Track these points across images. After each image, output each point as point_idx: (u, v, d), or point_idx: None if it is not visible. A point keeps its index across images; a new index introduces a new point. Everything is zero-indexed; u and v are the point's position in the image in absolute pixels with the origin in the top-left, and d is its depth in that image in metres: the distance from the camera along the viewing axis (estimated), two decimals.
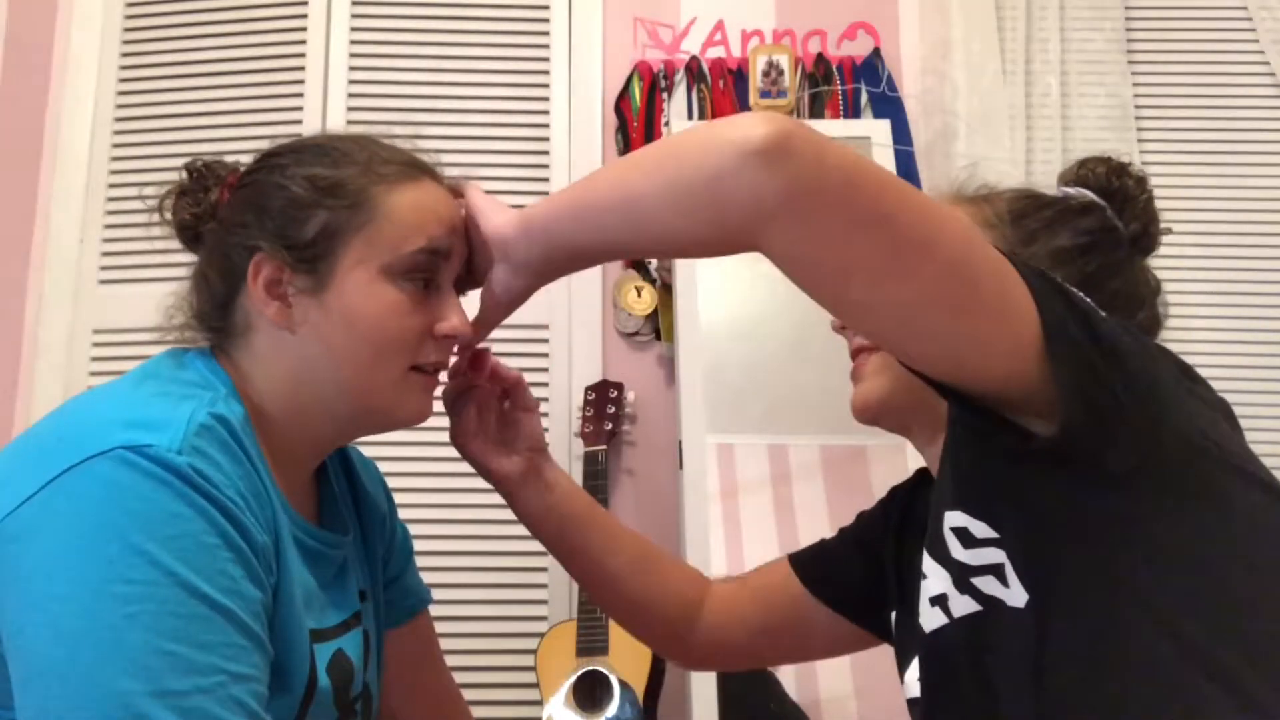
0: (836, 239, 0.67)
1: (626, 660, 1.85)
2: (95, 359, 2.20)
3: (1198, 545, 0.72)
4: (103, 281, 2.24)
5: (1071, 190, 0.92)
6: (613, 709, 1.81)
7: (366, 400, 0.88)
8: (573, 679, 1.84)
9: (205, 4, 2.33)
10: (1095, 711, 0.71)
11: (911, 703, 0.94)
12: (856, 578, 1.07)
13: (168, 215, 0.92)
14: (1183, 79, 2.36)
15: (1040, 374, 0.68)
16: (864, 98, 2.28)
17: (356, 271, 0.86)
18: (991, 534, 0.76)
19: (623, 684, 1.83)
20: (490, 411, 1.01)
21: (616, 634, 1.87)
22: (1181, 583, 0.71)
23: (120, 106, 2.31)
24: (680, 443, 1.97)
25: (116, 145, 2.29)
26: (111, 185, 2.26)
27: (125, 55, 2.33)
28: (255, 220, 0.87)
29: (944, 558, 0.81)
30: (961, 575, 0.79)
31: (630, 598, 1.09)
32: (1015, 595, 0.74)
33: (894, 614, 1.02)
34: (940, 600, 0.82)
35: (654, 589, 1.09)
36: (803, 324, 2.06)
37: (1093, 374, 0.68)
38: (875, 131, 2.17)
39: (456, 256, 0.91)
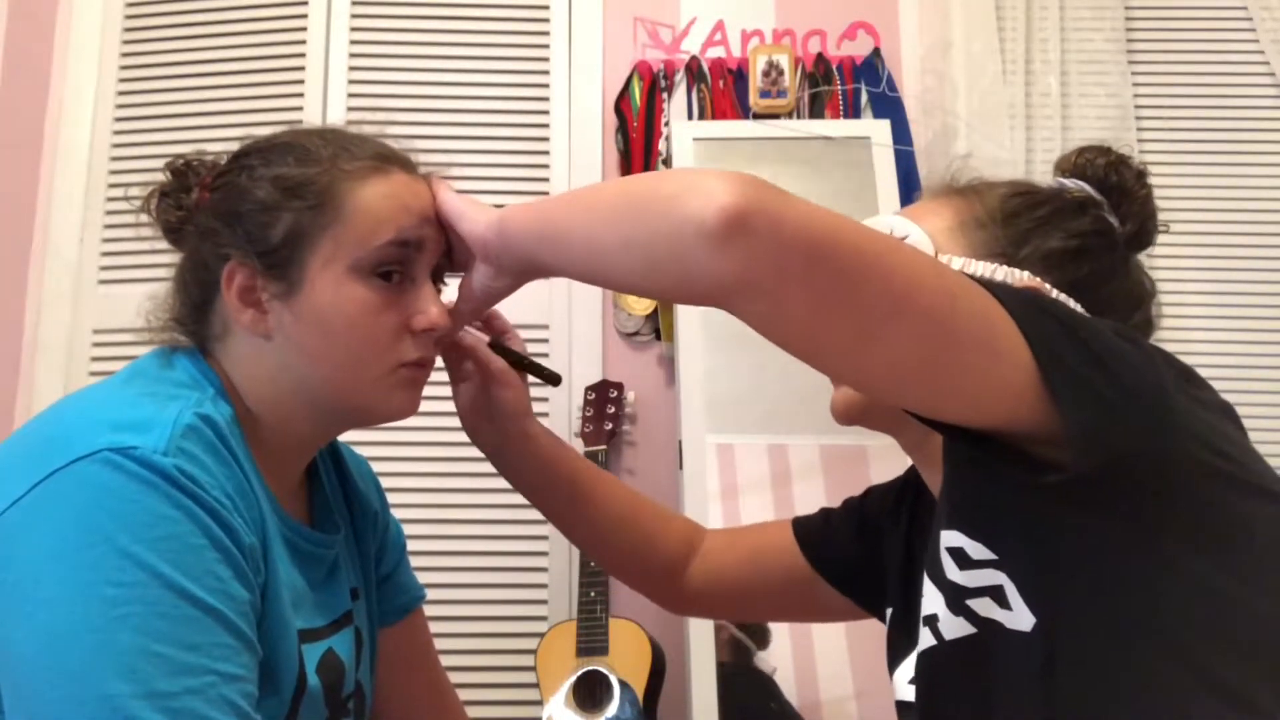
0: (802, 315, 0.65)
1: (626, 660, 1.85)
2: (95, 359, 2.20)
3: (1215, 571, 0.69)
4: (103, 281, 2.24)
5: (1069, 182, 0.90)
6: (613, 709, 1.81)
7: (349, 400, 0.87)
8: (573, 679, 1.84)
9: (205, 4, 2.33)
10: None
11: (901, 705, 0.94)
12: (857, 559, 1.06)
13: (154, 215, 0.91)
14: (1183, 79, 2.36)
15: (1043, 411, 0.66)
16: (864, 98, 2.28)
17: (326, 272, 0.84)
18: (989, 555, 0.74)
19: (623, 684, 1.82)
20: (472, 383, 0.99)
21: (616, 634, 1.87)
22: (1199, 610, 0.69)
23: (120, 106, 2.31)
24: (680, 443, 1.97)
25: (116, 145, 2.29)
26: (111, 185, 2.26)
27: (125, 55, 2.33)
28: (226, 226, 0.86)
29: (939, 578, 0.79)
30: (956, 597, 0.77)
31: (618, 551, 1.10)
32: (1019, 618, 0.73)
33: (890, 610, 1.01)
34: (931, 621, 0.80)
35: (642, 542, 1.09)
36: None
37: (1100, 405, 0.65)
38: (875, 131, 2.17)
39: (431, 247, 0.88)
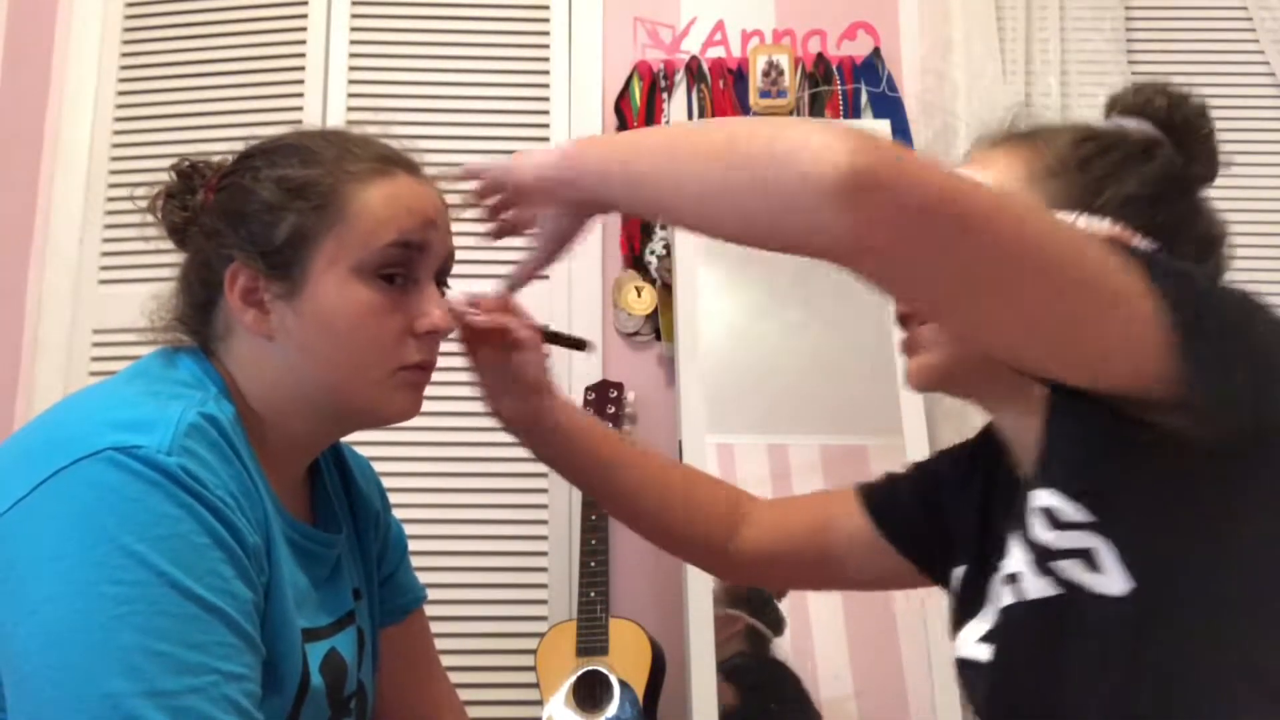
0: (922, 274, 0.64)
1: (626, 660, 1.85)
2: (95, 359, 2.20)
3: None
4: (103, 281, 2.24)
5: (1128, 122, 0.87)
6: (613, 709, 1.81)
7: (350, 402, 0.87)
8: (573, 679, 1.84)
9: (205, 4, 2.33)
10: (1187, 710, 0.69)
11: (962, 663, 0.91)
12: (924, 523, 1.04)
13: (159, 217, 0.92)
14: (1183, 79, 2.35)
15: (1170, 375, 0.64)
16: (864, 98, 2.28)
17: (329, 273, 0.84)
18: (1087, 518, 0.73)
19: (623, 684, 1.83)
20: (494, 358, 0.98)
21: (616, 634, 1.87)
22: None
23: (120, 106, 2.31)
24: (680, 443, 1.97)
25: (116, 145, 2.29)
26: (111, 185, 2.26)
27: (125, 55, 2.33)
28: (229, 227, 0.86)
29: (1026, 536, 0.78)
30: (1043, 557, 0.76)
31: (664, 525, 1.09)
32: (1110, 583, 0.71)
33: (962, 569, 0.98)
34: (1013, 579, 0.79)
35: (681, 508, 1.08)
36: (802, 324, 2.06)
37: (1235, 375, 0.64)
38: (875, 131, 2.17)
39: (434, 249, 0.89)
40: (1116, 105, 0.90)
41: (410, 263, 0.87)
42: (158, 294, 0.92)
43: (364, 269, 0.85)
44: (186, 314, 0.90)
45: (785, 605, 1.92)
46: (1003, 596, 0.81)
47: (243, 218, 0.86)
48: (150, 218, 0.92)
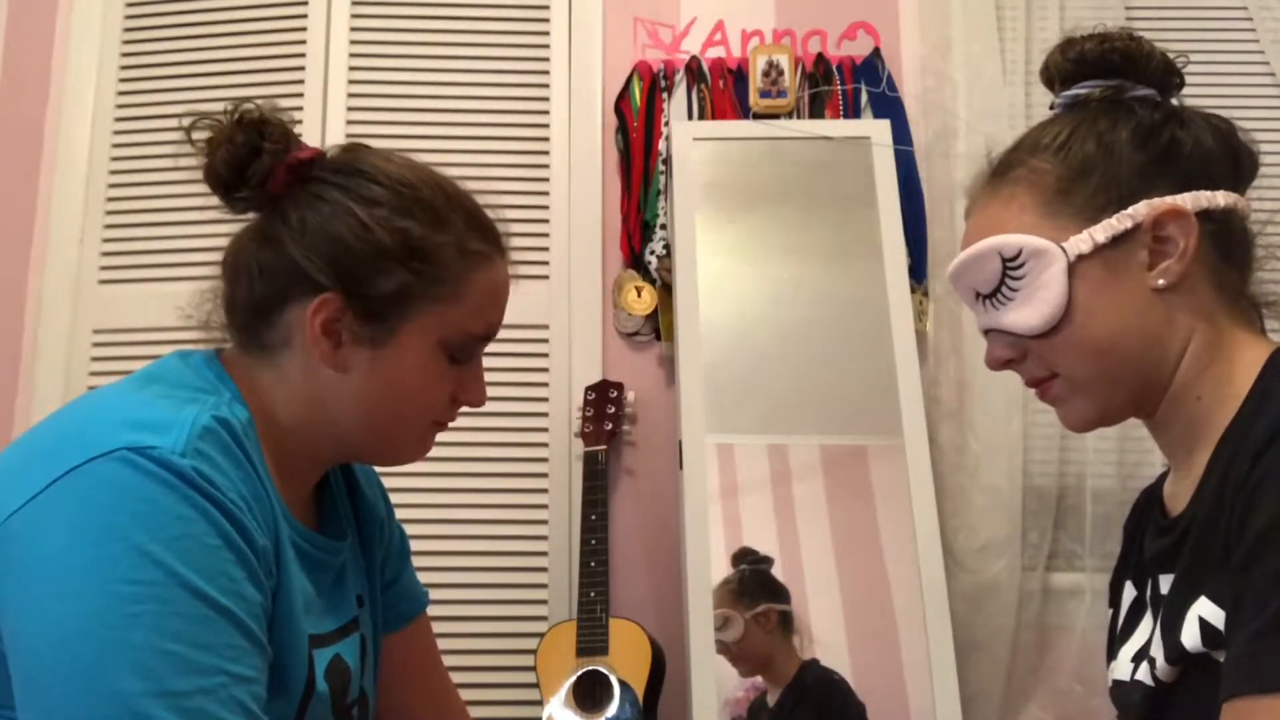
0: None
1: (626, 660, 1.85)
2: (95, 359, 2.20)
3: None
4: (103, 281, 2.24)
5: (1080, 91, 0.85)
6: (613, 709, 1.81)
7: (381, 443, 0.91)
8: (573, 679, 1.84)
9: (205, 4, 2.33)
10: None
11: (1116, 684, 0.88)
12: None
13: (200, 153, 0.87)
14: None
15: None
16: (864, 98, 2.28)
17: (417, 339, 0.87)
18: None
19: (623, 684, 1.82)
20: None
21: (616, 634, 1.87)
22: None
23: (120, 106, 2.30)
24: (680, 443, 1.97)
25: (116, 145, 2.28)
26: (111, 185, 2.26)
27: (125, 55, 2.33)
28: (331, 253, 0.85)
29: (1171, 637, 0.75)
30: (1183, 662, 0.74)
31: None
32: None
33: (1131, 594, 0.92)
34: (1149, 661, 0.78)
35: None
36: (803, 324, 2.06)
37: None
38: (875, 131, 2.17)
39: (496, 333, 0.94)
40: (1055, 77, 0.88)
41: (478, 346, 0.92)
42: (209, 279, 0.93)
43: (448, 345, 0.89)
44: (241, 309, 0.89)
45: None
46: (1139, 673, 0.80)
47: (349, 250, 0.85)
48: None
